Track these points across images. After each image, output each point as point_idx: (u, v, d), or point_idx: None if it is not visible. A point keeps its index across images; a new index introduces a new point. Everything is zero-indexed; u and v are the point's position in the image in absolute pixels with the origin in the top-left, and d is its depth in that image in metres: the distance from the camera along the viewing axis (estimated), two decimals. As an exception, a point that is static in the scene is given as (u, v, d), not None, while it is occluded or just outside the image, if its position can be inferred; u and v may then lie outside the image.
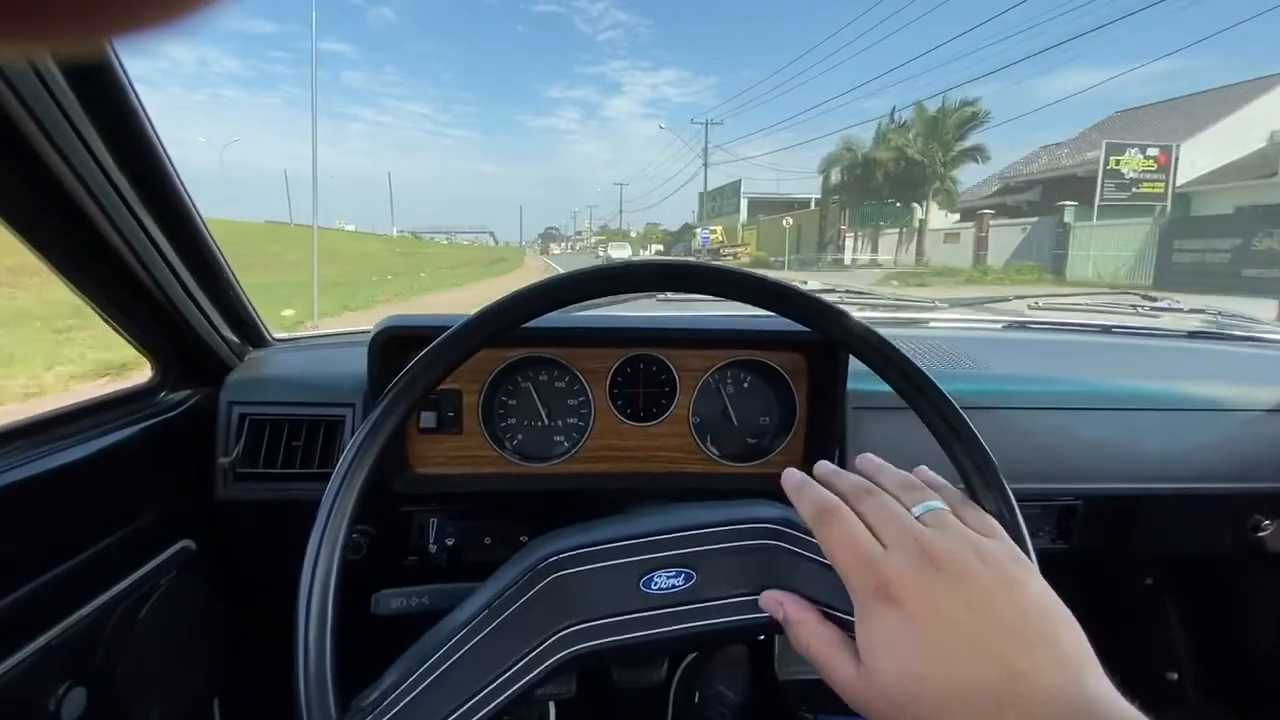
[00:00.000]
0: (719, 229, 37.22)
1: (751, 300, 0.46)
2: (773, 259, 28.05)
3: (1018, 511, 0.42)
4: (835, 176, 26.86)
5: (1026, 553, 0.38)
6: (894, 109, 26.98)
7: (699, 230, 36.38)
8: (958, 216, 23.93)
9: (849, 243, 26.92)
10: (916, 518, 0.38)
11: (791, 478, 0.43)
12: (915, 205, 24.41)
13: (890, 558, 0.35)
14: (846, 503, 0.39)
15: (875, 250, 25.72)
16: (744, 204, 41.66)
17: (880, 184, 24.21)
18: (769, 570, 0.45)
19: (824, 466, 0.45)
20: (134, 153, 0.65)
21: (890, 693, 0.33)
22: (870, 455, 0.45)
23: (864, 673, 0.35)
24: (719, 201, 44.21)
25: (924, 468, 0.43)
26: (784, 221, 30.14)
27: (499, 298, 0.45)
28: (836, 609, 0.40)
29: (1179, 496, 1.00)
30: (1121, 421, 0.98)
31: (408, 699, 0.40)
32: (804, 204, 36.75)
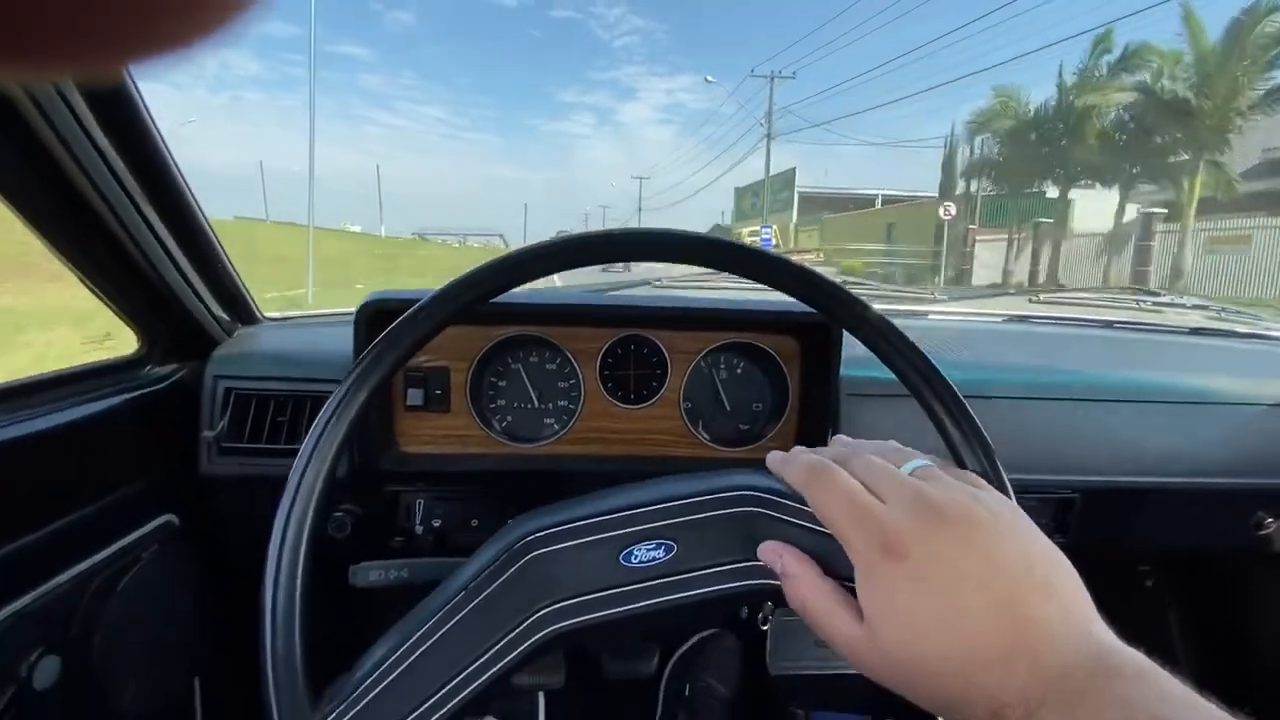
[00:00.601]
0: (775, 229, 26.65)
1: (744, 271, 0.45)
2: (867, 269, 17.50)
3: (1012, 496, 0.41)
4: (971, 152, 17.60)
5: (994, 467, 0.39)
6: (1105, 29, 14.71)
7: (753, 230, 24.24)
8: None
9: (989, 250, 16.56)
10: (909, 474, 0.37)
11: (774, 455, 0.43)
12: (1144, 184, 14.00)
13: (890, 511, 0.34)
14: (839, 462, 0.38)
15: (1043, 262, 14.88)
16: (795, 198, 32.61)
17: (1065, 155, 14.64)
18: (751, 537, 0.44)
19: (803, 448, 0.44)
20: (124, 125, 0.65)
21: (896, 650, 0.32)
22: (845, 437, 0.44)
23: (868, 631, 0.33)
24: (759, 198, 32.94)
25: (894, 441, 0.42)
26: (941, 210, 16.46)
27: (477, 265, 0.44)
28: (827, 572, 0.39)
29: (1180, 491, 0.98)
30: (1122, 414, 0.97)
31: (384, 684, 0.39)
32: (867, 201, 30.23)
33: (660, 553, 0.44)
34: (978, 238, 16.85)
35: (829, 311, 0.46)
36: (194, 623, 0.90)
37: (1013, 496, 0.38)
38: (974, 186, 18.31)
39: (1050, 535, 0.35)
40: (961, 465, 0.43)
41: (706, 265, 0.47)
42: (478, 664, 0.40)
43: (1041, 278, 14.54)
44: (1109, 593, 1.31)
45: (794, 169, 33.13)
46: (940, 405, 0.43)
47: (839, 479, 0.36)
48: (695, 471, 0.86)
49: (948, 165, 19.45)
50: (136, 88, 0.65)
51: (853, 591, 0.35)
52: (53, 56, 0.10)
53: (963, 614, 0.31)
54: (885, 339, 0.45)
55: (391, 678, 0.39)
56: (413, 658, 0.40)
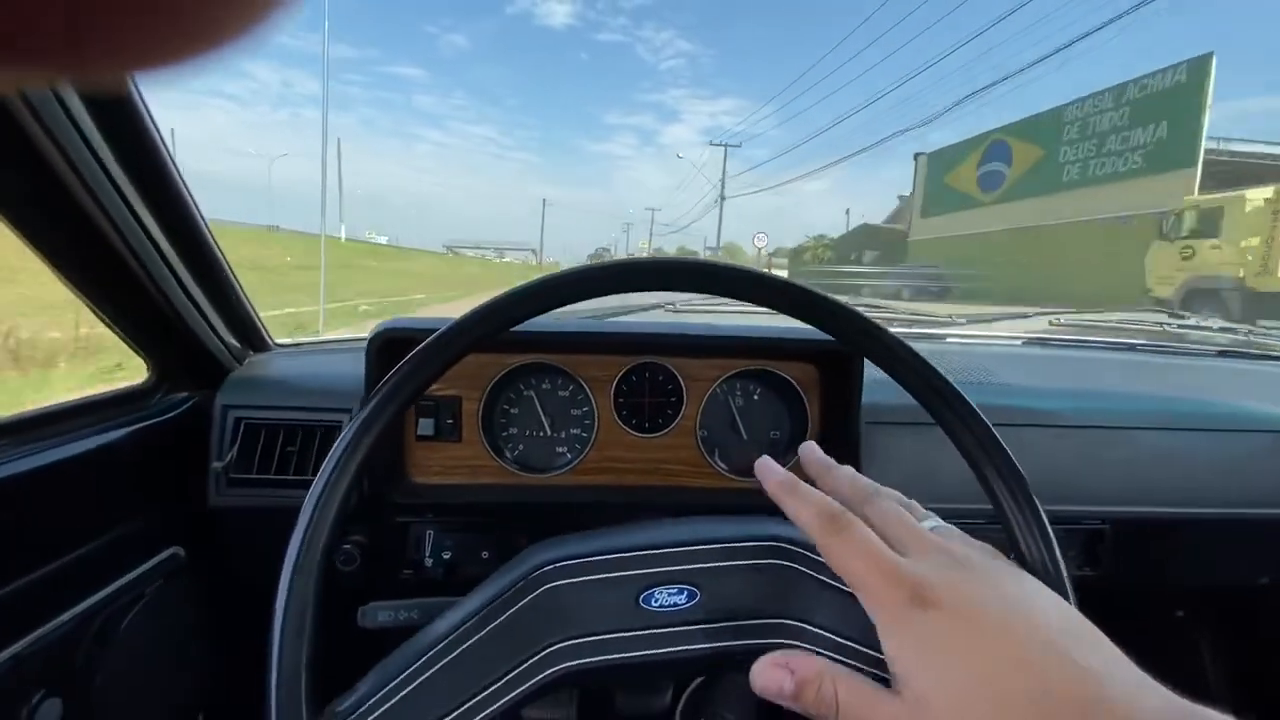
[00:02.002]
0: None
1: (759, 300, 0.43)
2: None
3: (1051, 534, 0.38)
4: None
5: (1064, 589, 0.35)
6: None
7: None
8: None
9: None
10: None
11: (774, 473, 0.39)
12: None
13: (916, 565, 0.32)
14: (850, 507, 0.36)
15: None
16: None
17: None
18: (778, 593, 0.42)
19: (810, 452, 0.43)
20: (136, 152, 0.65)
21: (946, 713, 0.29)
22: (813, 444, 0.43)
23: (910, 699, 0.30)
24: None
25: (897, 493, 0.40)
26: None
27: (492, 296, 0.43)
28: (855, 642, 0.37)
29: (1213, 522, 0.95)
30: (1152, 441, 0.94)
31: (384, 708, 0.37)
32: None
33: (682, 598, 0.42)
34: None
35: (828, 329, 0.43)
36: (198, 657, 0.88)
37: (1071, 598, 0.35)
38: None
39: (1079, 568, 0.34)
40: (996, 502, 0.40)
41: (728, 296, 0.45)
42: (483, 695, 0.39)
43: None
44: (1139, 625, 1.26)
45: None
46: (1008, 496, 0.40)
47: (856, 531, 0.34)
48: (712, 502, 0.84)
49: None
50: (147, 108, 0.65)
51: (873, 676, 0.33)
52: (54, 61, 0.10)
53: (1013, 663, 0.28)
54: (954, 411, 0.41)
55: (393, 702, 0.38)
56: (416, 683, 0.38)
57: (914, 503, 0.39)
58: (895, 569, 0.32)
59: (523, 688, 0.39)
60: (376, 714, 0.37)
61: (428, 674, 0.39)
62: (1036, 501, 0.39)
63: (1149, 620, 1.28)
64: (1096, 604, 0.53)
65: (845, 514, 0.35)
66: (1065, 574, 0.36)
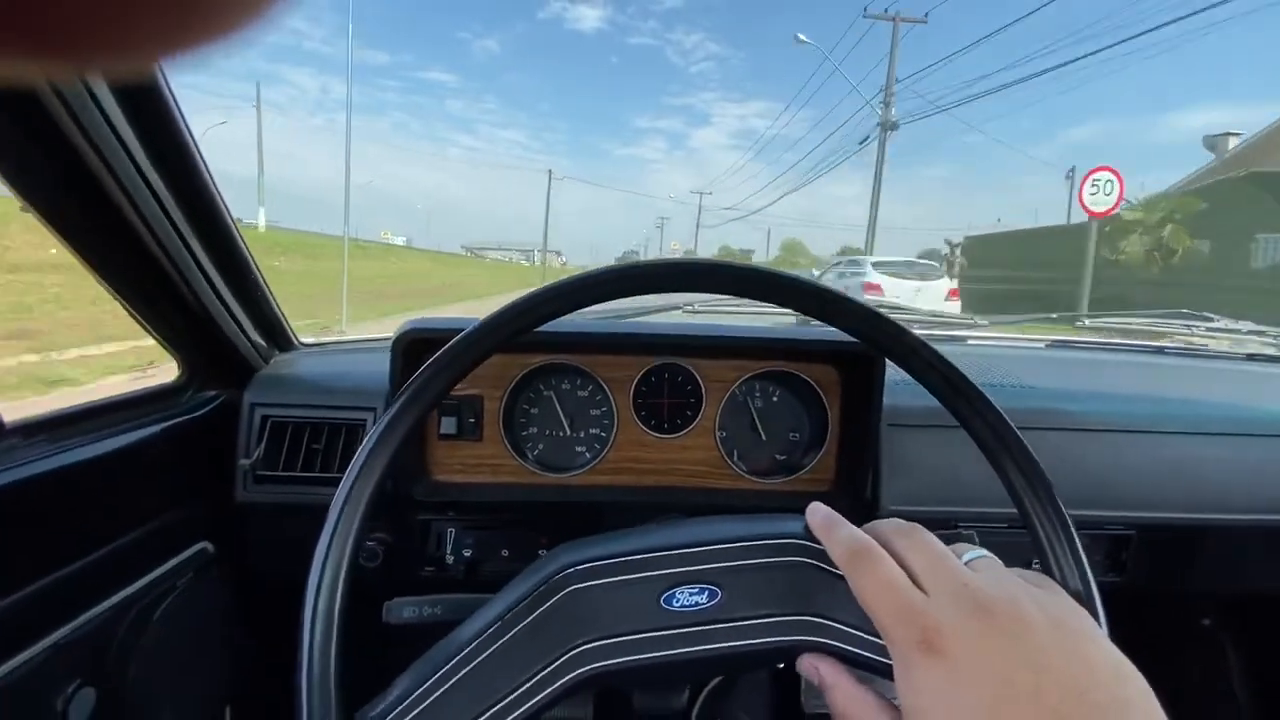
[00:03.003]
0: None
1: (782, 301, 0.43)
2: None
3: (1078, 541, 0.38)
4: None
5: (1091, 599, 0.35)
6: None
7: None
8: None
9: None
10: (965, 564, 0.34)
11: (816, 513, 0.40)
12: None
13: (933, 604, 0.31)
14: (884, 543, 0.35)
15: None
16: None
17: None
18: (800, 591, 0.42)
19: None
20: (171, 156, 0.66)
21: None
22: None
23: None
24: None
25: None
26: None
27: (516, 298, 0.44)
28: (878, 638, 0.37)
29: (1244, 528, 0.93)
30: (1180, 446, 0.92)
31: (413, 713, 0.38)
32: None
33: (704, 598, 0.42)
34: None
35: (852, 331, 0.43)
36: (227, 649, 0.90)
37: (1103, 622, 0.34)
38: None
39: (1104, 574, 0.32)
40: (1020, 507, 0.39)
41: (764, 300, 0.45)
42: (510, 699, 0.39)
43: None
44: (1165, 632, 1.24)
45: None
46: (1043, 519, 0.39)
47: (880, 565, 0.34)
48: (731, 504, 0.84)
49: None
50: (181, 114, 0.66)
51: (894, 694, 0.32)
52: (73, 46, 0.10)
53: None
54: (921, 359, 0.42)
55: (422, 707, 0.38)
56: (444, 687, 0.39)
57: (968, 544, 0.38)
58: (909, 607, 0.31)
59: (549, 690, 0.40)
60: (407, 719, 0.38)
61: (456, 677, 0.39)
62: (1074, 533, 0.38)
63: (1174, 627, 1.26)
64: (1121, 611, 0.52)
65: (872, 549, 0.35)
66: (1097, 596, 0.36)
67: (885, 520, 0.39)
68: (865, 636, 0.38)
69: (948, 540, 0.37)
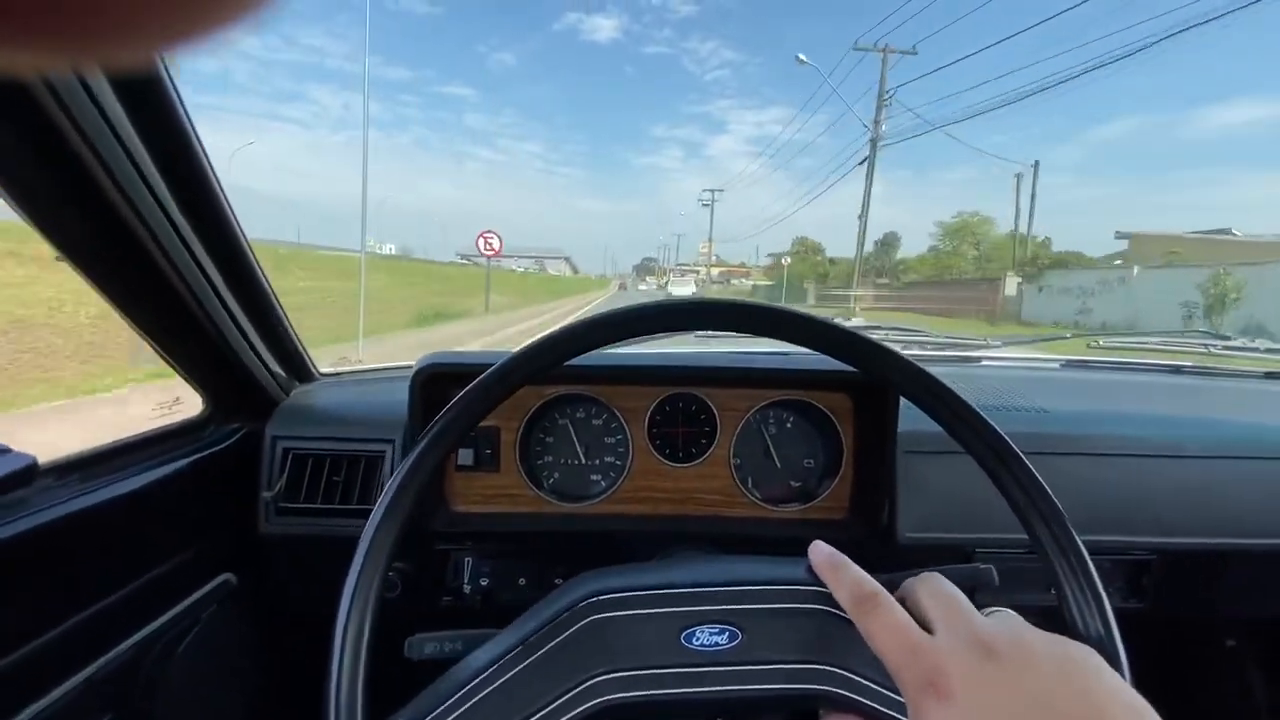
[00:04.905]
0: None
1: (788, 338, 0.44)
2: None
3: (1094, 572, 0.38)
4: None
5: (1111, 642, 0.35)
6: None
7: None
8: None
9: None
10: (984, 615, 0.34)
11: (819, 552, 0.40)
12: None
13: (939, 645, 0.32)
14: (900, 588, 0.36)
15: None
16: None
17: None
18: (821, 640, 0.42)
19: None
20: (190, 187, 0.67)
21: None
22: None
23: None
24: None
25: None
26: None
27: (540, 336, 0.45)
28: (897, 694, 0.37)
29: (1264, 554, 0.91)
30: (1201, 469, 0.91)
31: None
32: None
33: (724, 639, 0.43)
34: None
35: (857, 365, 0.45)
36: (251, 679, 0.91)
37: (1125, 672, 0.34)
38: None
39: (1125, 600, 0.32)
40: (1033, 535, 0.40)
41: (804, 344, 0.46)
42: None
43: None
44: (1187, 655, 1.21)
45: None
46: (1062, 560, 0.39)
47: (886, 610, 0.35)
48: (746, 532, 0.83)
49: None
50: (200, 143, 0.65)
51: None
52: (76, 34, 0.10)
53: None
54: (925, 389, 0.43)
55: None
56: (461, 709, 0.39)
57: (997, 607, 0.39)
58: (916, 647, 0.32)
59: (565, 717, 0.40)
60: None
61: (474, 700, 0.40)
62: (1095, 576, 0.38)
63: (1198, 649, 1.23)
64: (1144, 632, 0.52)
65: (878, 593, 0.36)
66: (1118, 638, 0.36)
67: (903, 573, 0.39)
68: (885, 692, 0.38)
69: (965, 576, 0.37)
